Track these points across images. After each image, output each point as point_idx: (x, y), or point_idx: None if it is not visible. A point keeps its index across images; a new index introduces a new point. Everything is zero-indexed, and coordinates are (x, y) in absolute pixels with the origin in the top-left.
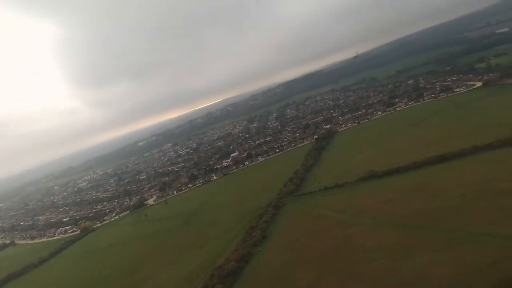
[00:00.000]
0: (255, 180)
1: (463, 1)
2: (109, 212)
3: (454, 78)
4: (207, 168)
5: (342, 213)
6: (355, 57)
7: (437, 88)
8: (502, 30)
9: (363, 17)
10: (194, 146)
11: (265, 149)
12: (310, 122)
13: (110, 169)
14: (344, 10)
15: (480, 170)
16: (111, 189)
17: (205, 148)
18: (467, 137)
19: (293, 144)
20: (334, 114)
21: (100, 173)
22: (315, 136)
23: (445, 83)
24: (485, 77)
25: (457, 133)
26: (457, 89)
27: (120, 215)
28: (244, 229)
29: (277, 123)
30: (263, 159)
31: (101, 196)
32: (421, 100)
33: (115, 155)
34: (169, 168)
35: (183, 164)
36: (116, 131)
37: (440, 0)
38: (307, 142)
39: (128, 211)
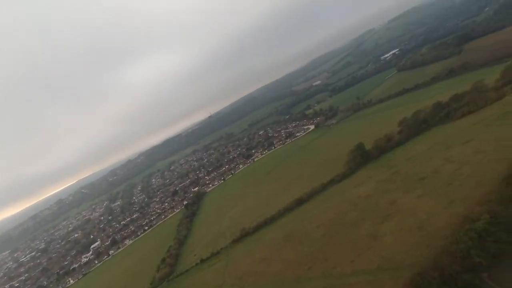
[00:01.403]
0: (122, 271)
1: (286, 62)
2: None
3: (293, 124)
4: (61, 272)
5: (223, 285)
6: (210, 116)
7: (283, 135)
8: (317, 83)
9: (210, 80)
10: (42, 246)
11: (133, 229)
12: (178, 188)
13: None
14: (194, 72)
15: (330, 205)
16: None
17: (57, 246)
18: (315, 176)
19: (163, 216)
20: (200, 175)
21: None
22: (185, 203)
23: (288, 130)
24: (315, 121)
25: (306, 171)
26: (298, 134)
27: None
28: None
29: (144, 195)
30: (131, 241)
31: None
32: (273, 147)
33: None
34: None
35: (26, 275)
36: None
37: (272, 61)
38: (178, 210)
39: None
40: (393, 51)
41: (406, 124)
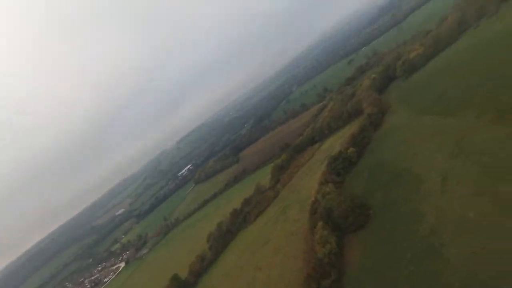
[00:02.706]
0: None
1: (78, 197)
2: None
3: (99, 268)
4: None
5: None
6: None
7: (88, 286)
8: (120, 211)
9: None
10: None
11: None
12: None
13: None
14: None
15: None
16: None
17: None
18: None
19: None
20: None
21: None
22: None
23: (93, 277)
24: (124, 256)
25: None
26: (107, 278)
27: None
28: None
29: None
30: None
31: None
32: None
33: None
34: None
35: None
36: None
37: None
38: None
39: None
40: (188, 167)
41: (214, 238)
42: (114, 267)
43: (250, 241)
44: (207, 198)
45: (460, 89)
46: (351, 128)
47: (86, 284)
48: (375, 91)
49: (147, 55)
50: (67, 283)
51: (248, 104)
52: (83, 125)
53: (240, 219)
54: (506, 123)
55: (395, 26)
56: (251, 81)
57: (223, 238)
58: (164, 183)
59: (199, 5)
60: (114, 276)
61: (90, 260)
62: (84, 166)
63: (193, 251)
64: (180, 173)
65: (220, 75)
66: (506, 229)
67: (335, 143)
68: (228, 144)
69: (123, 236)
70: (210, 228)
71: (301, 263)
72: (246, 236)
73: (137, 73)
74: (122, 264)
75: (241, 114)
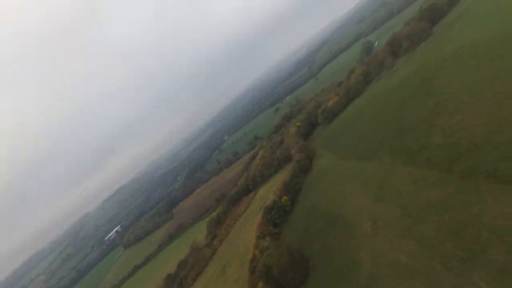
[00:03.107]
0: None
1: None
2: None
3: None
4: None
5: None
6: None
7: None
8: None
9: None
10: None
11: None
12: None
13: None
14: None
15: None
16: None
17: None
18: None
19: None
20: None
21: None
22: None
23: None
24: None
25: None
26: None
27: None
28: None
29: None
30: None
31: None
32: None
33: None
34: None
35: None
36: None
37: None
38: None
39: None
40: (115, 229)
41: None
42: None
43: None
44: (138, 264)
45: (373, 135)
46: (283, 175)
47: None
48: (301, 138)
49: (69, 112)
50: None
51: (181, 155)
52: None
53: (176, 285)
54: (417, 165)
55: (313, 78)
56: (182, 132)
57: None
58: (88, 250)
59: (128, 64)
60: None
61: None
62: None
63: None
64: (107, 237)
65: (149, 128)
66: (436, 273)
67: (269, 191)
68: (161, 199)
69: None
70: None
71: None
72: None
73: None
74: None
75: (174, 166)
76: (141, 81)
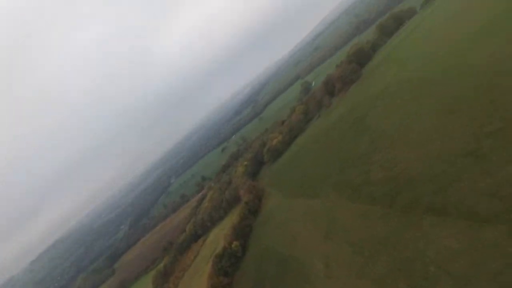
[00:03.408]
0: None
1: None
2: None
3: None
4: None
5: None
6: None
7: None
8: None
9: None
10: None
11: None
12: None
13: None
14: None
15: None
16: None
17: None
18: None
19: None
20: None
21: None
22: None
23: None
24: None
25: None
26: None
27: None
28: None
29: None
30: None
31: None
32: None
33: None
34: None
35: None
36: None
37: None
38: None
39: None
40: None
41: None
42: None
43: None
44: None
45: (317, 172)
46: (232, 217)
47: None
48: (249, 177)
49: None
50: None
51: (124, 202)
52: None
53: None
54: (360, 200)
55: (257, 117)
56: (123, 178)
57: None
58: None
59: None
60: None
61: None
62: None
63: None
64: None
65: (85, 174)
66: None
67: (219, 234)
68: (103, 252)
69: None
70: None
71: None
72: None
73: None
74: None
75: (116, 214)
76: (78, 124)
